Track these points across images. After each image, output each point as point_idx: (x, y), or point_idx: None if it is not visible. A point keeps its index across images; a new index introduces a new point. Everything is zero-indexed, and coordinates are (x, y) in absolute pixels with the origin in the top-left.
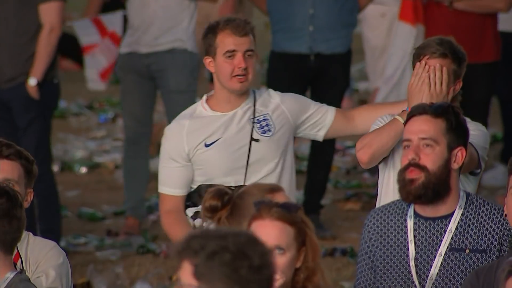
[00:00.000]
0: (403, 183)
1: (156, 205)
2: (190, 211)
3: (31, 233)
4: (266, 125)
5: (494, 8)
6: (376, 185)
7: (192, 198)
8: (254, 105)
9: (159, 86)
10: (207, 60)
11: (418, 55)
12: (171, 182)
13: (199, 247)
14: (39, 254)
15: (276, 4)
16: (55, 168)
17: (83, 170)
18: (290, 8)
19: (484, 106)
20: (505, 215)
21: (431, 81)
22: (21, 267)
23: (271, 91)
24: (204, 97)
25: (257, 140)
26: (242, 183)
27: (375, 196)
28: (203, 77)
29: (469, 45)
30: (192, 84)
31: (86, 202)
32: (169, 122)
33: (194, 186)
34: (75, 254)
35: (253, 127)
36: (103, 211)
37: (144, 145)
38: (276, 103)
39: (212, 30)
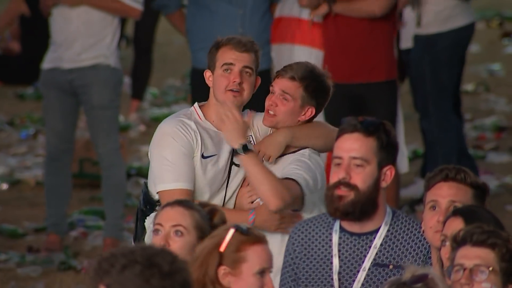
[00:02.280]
0: (331, 199)
1: (78, 221)
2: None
3: None
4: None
5: (368, 11)
6: None
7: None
8: None
9: (81, 102)
10: (207, 74)
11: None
12: (186, 177)
13: (109, 266)
14: None
15: (201, 23)
16: None
17: (4, 186)
18: (218, 27)
19: None
20: (423, 231)
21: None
22: None
23: (253, 112)
24: (196, 105)
25: (237, 165)
26: (222, 204)
27: None
28: (124, 94)
29: (360, 65)
30: (115, 100)
31: (7, 219)
32: (93, 138)
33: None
34: None
35: (234, 150)
36: (24, 227)
37: (66, 161)
38: (258, 125)
39: (215, 45)
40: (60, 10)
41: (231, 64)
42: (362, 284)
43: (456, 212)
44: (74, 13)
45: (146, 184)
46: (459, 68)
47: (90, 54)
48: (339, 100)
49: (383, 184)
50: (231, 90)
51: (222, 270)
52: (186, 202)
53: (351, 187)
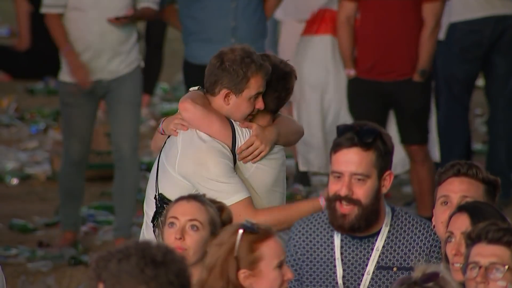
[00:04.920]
0: (335, 216)
1: (88, 217)
2: None
3: None
4: None
5: None
6: (308, 196)
7: None
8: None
9: (113, 100)
10: (225, 93)
11: None
12: (242, 184)
13: (106, 262)
14: None
15: (194, 14)
16: None
17: (14, 181)
18: (210, 20)
19: (420, 120)
20: (433, 227)
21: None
22: None
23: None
24: None
25: None
26: None
27: None
28: None
29: (400, 62)
30: (141, 99)
31: (17, 213)
32: (117, 137)
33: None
34: (6, 265)
35: None
36: (34, 222)
37: (84, 164)
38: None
39: (246, 68)
40: (96, 22)
41: (261, 93)
42: None
43: (462, 208)
44: (109, 26)
45: (157, 190)
46: (473, 62)
47: (128, 61)
48: (372, 97)
49: (384, 190)
50: (250, 114)
51: (242, 274)
52: (200, 197)
53: (354, 202)
